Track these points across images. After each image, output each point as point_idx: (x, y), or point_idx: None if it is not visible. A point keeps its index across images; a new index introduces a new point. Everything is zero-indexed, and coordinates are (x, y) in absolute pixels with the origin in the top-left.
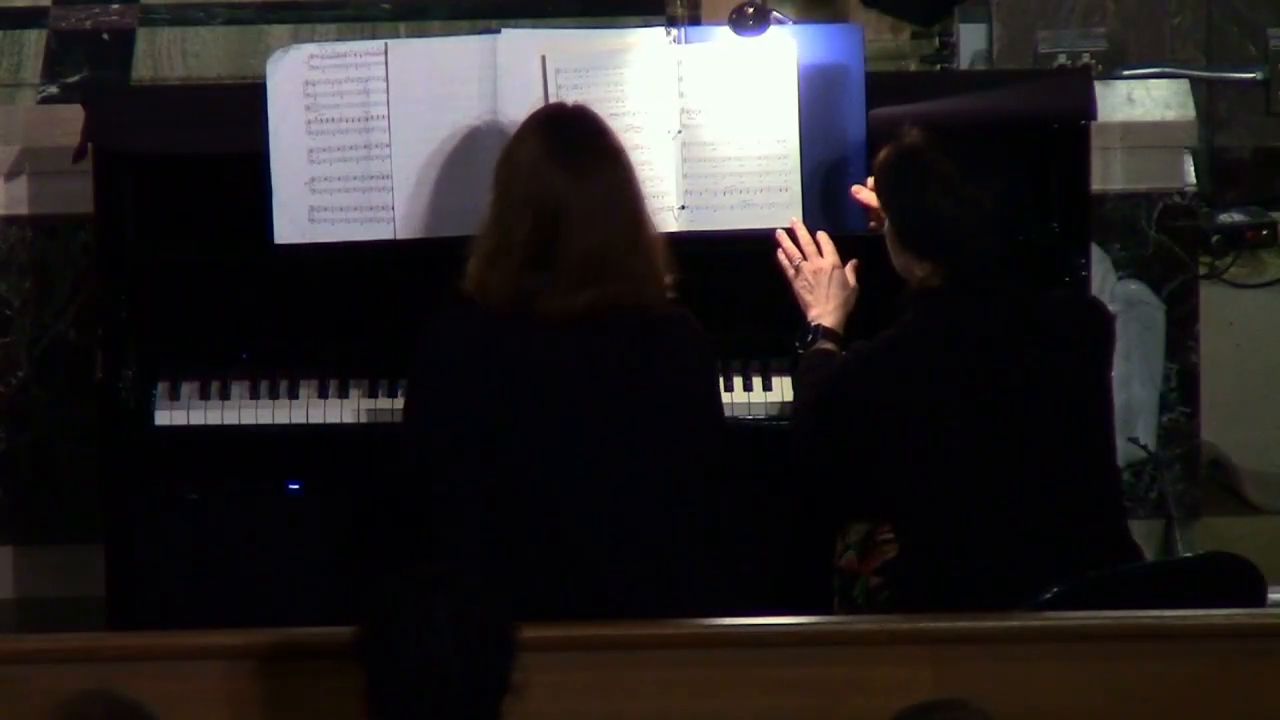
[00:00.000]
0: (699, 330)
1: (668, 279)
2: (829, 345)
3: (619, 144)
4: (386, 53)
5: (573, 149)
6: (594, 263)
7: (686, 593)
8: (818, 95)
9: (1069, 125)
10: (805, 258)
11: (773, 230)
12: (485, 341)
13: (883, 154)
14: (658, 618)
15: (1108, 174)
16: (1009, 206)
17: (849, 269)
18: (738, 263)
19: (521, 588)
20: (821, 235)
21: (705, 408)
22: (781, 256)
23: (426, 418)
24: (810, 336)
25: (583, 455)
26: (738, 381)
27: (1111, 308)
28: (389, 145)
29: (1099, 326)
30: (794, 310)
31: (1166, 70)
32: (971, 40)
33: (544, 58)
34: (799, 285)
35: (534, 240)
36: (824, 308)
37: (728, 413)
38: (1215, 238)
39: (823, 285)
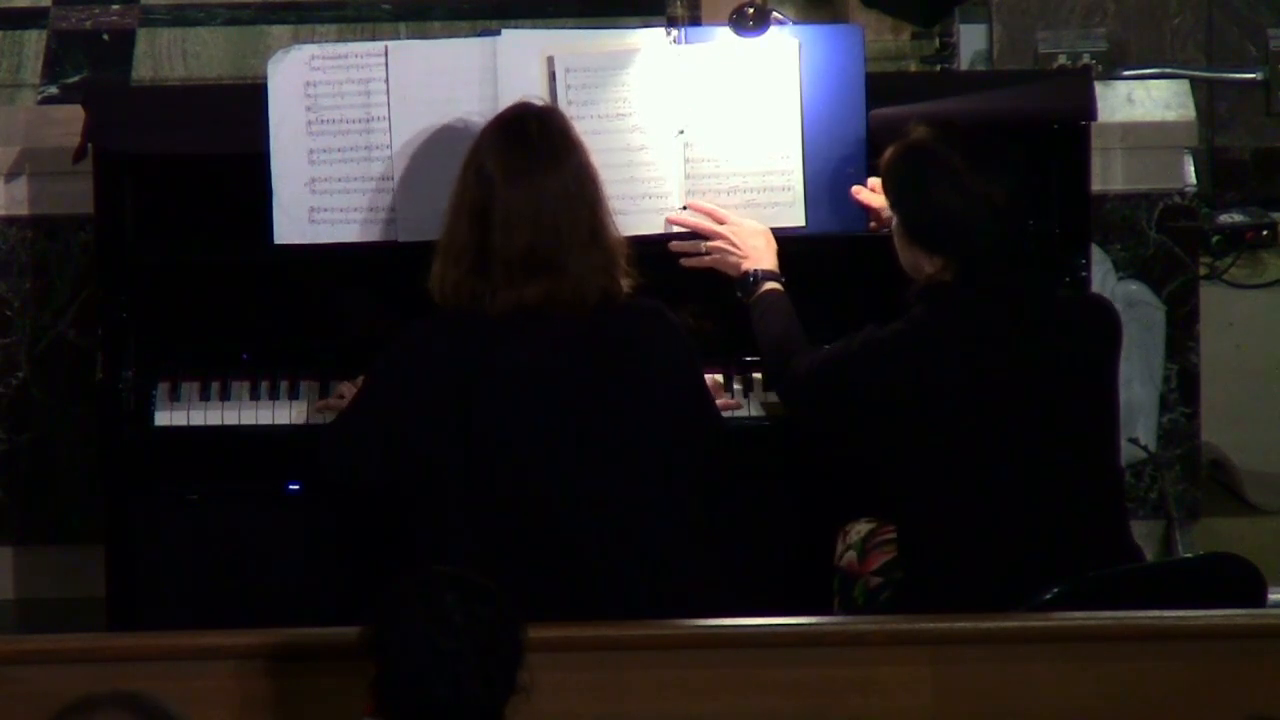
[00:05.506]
0: (674, 321)
1: (624, 281)
2: (775, 284)
3: (570, 146)
4: (387, 54)
5: (512, 150)
6: (524, 264)
7: (683, 589)
8: (818, 96)
9: (1069, 126)
10: (708, 237)
11: (776, 230)
12: (459, 346)
13: (889, 150)
14: (656, 616)
15: (1108, 174)
16: (1017, 201)
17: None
18: None
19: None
20: (703, 207)
21: (691, 398)
22: (680, 245)
23: (388, 427)
24: (751, 281)
25: (566, 453)
26: (738, 381)
27: None
28: (389, 147)
29: (1108, 325)
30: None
31: (1166, 70)
32: (971, 40)
33: (552, 59)
34: (717, 259)
35: (471, 242)
36: (753, 258)
37: (727, 413)
38: (1215, 238)
39: (741, 243)
